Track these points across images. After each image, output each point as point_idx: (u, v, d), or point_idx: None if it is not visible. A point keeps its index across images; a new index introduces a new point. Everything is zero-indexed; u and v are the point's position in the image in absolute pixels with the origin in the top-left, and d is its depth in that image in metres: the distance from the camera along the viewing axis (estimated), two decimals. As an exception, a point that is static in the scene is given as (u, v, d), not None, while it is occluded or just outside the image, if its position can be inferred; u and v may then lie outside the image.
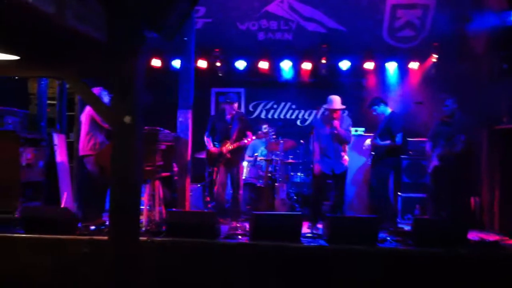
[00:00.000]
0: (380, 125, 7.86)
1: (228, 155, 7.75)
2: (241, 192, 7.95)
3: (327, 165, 7.53)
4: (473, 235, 6.54)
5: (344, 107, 7.54)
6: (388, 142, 7.64)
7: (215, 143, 7.90)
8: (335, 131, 7.39)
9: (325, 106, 7.60)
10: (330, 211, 7.65)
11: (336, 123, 7.38)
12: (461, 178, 7.32)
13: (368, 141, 8.31)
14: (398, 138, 7.62)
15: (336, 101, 7.48)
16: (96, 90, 7.19)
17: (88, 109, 7.32)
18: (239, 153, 7.86)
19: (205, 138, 8.00)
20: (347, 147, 7.68)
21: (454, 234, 6.00)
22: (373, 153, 8.02)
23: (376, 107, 7.88)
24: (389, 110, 7.85)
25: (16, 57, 5.17)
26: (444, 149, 7.14)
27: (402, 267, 5.71)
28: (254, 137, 7.78)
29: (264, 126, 8.00)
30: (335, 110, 7.44)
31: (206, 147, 8.01)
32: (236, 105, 8.01)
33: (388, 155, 7.70)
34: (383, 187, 7.74)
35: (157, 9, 4.61)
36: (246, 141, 7.70)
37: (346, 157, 7.64)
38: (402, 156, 8.81)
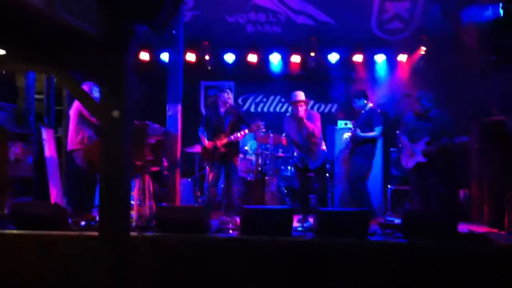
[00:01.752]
0: (359, 119, 7.86)
1: (223, 149, 7.62)
2: (235, 186, 7.81)
3: (301, 160, 7.57)
4: (462, 227, 6.58)
5: (308, 100, 7.61)
6: (370, 134, 7.64)
7: (208, 137, 7.77)
8: (302, 122, 7.44)
9: (292, 100, 7.59)
10: (317, 205, 7.68)
11: (301, 113, 7.42)
12: (449, 171, 7.34)
13: (346, 135, 8.27)
14: (378, 131, 7.65)
15: (299, 93, 7.54)
16: (86, 85, 7.13)
17: (76, 103, 7.27)
18: (233, 147, 7.73)
19: (200, 134, 7.86)
20: (320, 140, 7.68)
21: (444, 226, 6.02)
22: (351, 145, 7.91)
23: (356, 99, 7.86)
24: (369, 105, 7.83)
25: (2, 51, 5.12)
26: (432, 146, 7.15)
27: (393, 260, 5.73)
28: (247, 131, 7.68)
29: (261, 124, 7.94)
30: (298, 101, 7.47)
31: (200, 142, 7.89)
32: (229, 93, 7.84)
33: (363, 143, 7.71)
34: (360, 180, 7.72)
35: (147, 2, 4.57)
36: (239, 134, 7.59)
37: (322, 149, 7.66)
38: (392, 149, 8.85)
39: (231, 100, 7.86)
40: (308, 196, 7.85)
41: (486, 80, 7.91)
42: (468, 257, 5.66)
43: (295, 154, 7.76)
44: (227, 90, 7.83)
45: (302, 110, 7.45)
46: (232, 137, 7.56)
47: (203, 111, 11.11)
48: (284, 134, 7.78)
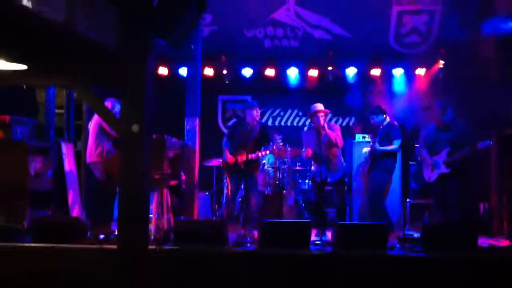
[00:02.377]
0: (378, 133, 7.84)
1: (242, 166, 7.64)
2: (254, 200, 7.82)
3: (319, 174, 7.55)
4: (482, 241, 6.50)
5: (327, 110, 7.63)
6: (389, 148, 7.60)
7: (230, 150, 7.80)
8: (322, 132, 7.47)
9: (311, 111, 7.63)
10: (336, 219, 7.65)
11: (322, 122, 7.44)
12: (470, 183, 7.27)
13: (365, 149, 8.26)
14: (397, 144, 7.61)
15: (318, 104, 7.64)
16: (109, 101, 7.23)
17: (96, 117, 7.34)
18: (253, 164, 7.76)
19: (223, 147, 7.91)
20: (340, 153, 7.68)
21: (463, 240, 5.96)
22: (370, 160, 7.92)
23: (374, 116, 7.86)
24: (387, 120, 7.81)
25: (23, 66, 5.19)
26: (453, 156, 7.10)
27: (412, 274, 5.67)
28: (268, 152, 7.74)
29: (278, 138, 7.97)
30: (318, 111, 7.53)
31: (223, 154, 7.93)
32: (258, 111, 7.88)
33: (384, 157, 7.67)
34: (380, 194, 7.66)
35: (166, 17, 4.62)
36: (260, 154, 7.63)
37: (341, 163, 7.67)
38: (411, 163, 8.79)
39: (258, 118, 7.89)
40: (324, 210, 7.81)
41: (505, 91, 7.86)
42: (489, 271, 5.59)
43: (312, 168, 7.76)
44: (256, 108, 7.85)
45: (322, 120, 7.48)
46: (253, 155, 7.60)
47: (221, 125, 11.15)
48: (303, 149, 7.77)
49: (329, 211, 8.08)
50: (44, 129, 8.57)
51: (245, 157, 7.58)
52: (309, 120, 10.86)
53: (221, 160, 8.15)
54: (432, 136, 7.46)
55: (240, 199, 8.47)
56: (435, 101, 8.11)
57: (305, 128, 8.16)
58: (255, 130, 7.76)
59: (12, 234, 6.53)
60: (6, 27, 3.99)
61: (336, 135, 7.52)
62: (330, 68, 9.94)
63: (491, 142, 6.93)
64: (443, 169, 7.19)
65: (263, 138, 7.78)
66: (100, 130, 7.27)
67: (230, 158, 7.70)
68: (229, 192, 7.87)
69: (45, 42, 4.41)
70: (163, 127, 7.28)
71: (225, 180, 8.44)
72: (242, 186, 8.12)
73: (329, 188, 7.78)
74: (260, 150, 7.67)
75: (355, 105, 10.13)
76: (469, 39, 8.40)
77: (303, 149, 7.68)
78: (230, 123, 8.17)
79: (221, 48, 10.05)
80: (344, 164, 7.86)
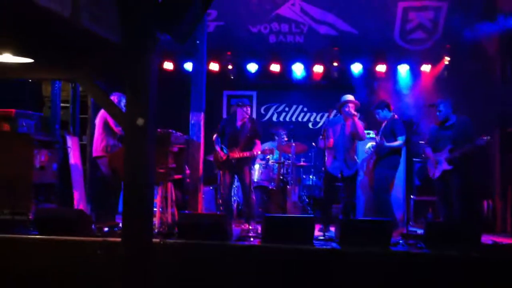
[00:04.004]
0: (383, 129, 7.83)
1: (233, 161, 7.66)
2: (252, 195, 7.84)
3: (336, 167, 7.52)
4: (485, 239, 6.50)
5: (357, 102, 7.63)
6: (395, 143, 7.59)
7: (223, 146, 7.81)
8: (349, 122, 7.46)
9: (341, 101, 7.61)
10: (342, 214, 7.64)
11: (353, 111, 7.44)
12: (474, 180, 7.26)
13: (369, 145, 8.25)
14: (402, 140, 7.61)
15: (348, 95, 7.70)
16: (115, 95, 7.26)
17: (102, 111, 7.38)
18: (244, 160, 7.74)
19: (216, 144, 7.88)
20: (357, 149, 7.68)
21: (467, 237, 5.96)
22: (375, 156, 7.93)
23: (379, 110, 7.84)
24: (392, 115, 7.81)
25: (30, 60, 5.22)
26: (454, 152, 7.08)
27: (415, 271, 5.69)
28: (259, 152, 7.78)
29: (283, 133, 7.92)
30: (349, 101, 7.55)
31: (215, 150, 7.94)
32: (248, 109, 7.91)
33: (389, 154, 7.66)
34: (385, 191, 7.66)
35: (170, 12, 4.63)
36: (250, 154, 7.64)
37: (356, 160, 7.66)
38: (415, 159, 8.78)
39: (248, 115, 7.88)
40: (331, 205, 7.80)
41: (508, 89, 7.85)
42: (492, 268, 5.60)
43: (325, 159, 7.66)
44: (246, 106, 7.88)
45: (353, 109, 7.51)
46: (244, 154, 7.60)
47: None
48: (321, 136, 7.65)
49: (333, 207, 8.07)
50: (49, 123, 8.63)
51: (236, 154, 7.59)
52: (314, 116, 10.91)
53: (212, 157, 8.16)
54: (435, 134, 7.45)
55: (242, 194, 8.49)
56: (440, 97, 8.12)
57: (330, 117, 8.06)
58: (246, 128, 7.77)
59: (17, 226, 6.59)
60: (13, 21, 4.02)
61: (362, 126, 7.51)
62: (335, 64, 9.92)
63: (489, 137, 6.89)
64: (445, 166, 7.17)
65: (254, 135, 7.78)
66: (105, 125, 7.32)
67: (221, 154, 7.72)
68: (224, 187, 7.87)
69: (51, 36, 4.44)
70: (168, 121, 7.29)
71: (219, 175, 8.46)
72: (237, 183, 8.15)
73: (339, 184, 7.74)
74: (252, 148, 7.66)
75: (360, 101, 10.12)
76: (474, 36, 8.37)
77: (321, 137, 7.57)
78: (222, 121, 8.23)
79: (226, 43, 10.04)
80: (359, 162, 7.84)
